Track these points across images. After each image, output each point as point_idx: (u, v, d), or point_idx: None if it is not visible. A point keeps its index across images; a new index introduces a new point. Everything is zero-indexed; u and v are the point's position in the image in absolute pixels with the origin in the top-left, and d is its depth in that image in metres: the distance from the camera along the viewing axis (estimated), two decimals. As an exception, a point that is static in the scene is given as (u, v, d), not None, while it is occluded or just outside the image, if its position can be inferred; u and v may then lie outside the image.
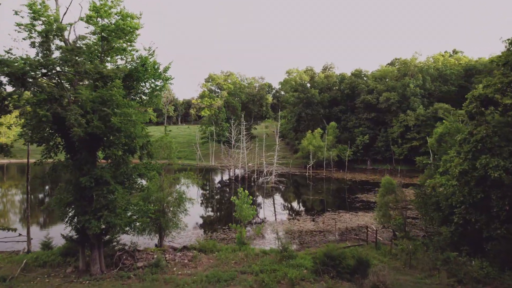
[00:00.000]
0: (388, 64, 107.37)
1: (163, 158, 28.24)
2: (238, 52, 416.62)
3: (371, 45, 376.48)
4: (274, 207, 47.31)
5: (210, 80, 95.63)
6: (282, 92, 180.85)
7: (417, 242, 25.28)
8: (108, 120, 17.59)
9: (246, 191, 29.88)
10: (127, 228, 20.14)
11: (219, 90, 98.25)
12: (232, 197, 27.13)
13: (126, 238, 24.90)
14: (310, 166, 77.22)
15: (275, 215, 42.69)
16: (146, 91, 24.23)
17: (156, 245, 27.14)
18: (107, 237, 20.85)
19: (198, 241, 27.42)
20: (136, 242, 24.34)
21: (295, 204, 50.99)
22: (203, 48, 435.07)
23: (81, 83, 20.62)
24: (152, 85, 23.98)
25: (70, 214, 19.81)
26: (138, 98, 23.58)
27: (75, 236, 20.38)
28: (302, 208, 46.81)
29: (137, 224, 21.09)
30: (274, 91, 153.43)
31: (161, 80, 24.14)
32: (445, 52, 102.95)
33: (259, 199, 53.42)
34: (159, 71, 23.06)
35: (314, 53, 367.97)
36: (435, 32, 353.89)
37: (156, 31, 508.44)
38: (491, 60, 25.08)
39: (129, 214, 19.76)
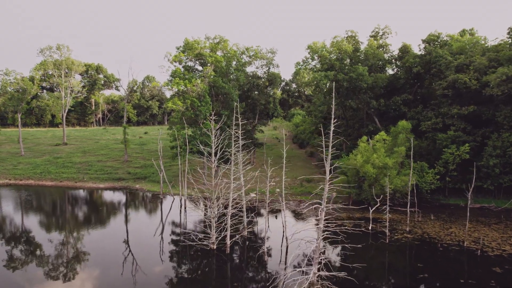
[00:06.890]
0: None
1: None
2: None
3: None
4: None
5: (186, 49, 56.36)
6: (294, 85, 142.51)
7: None
8: None
9: None
10: None
11: (200, 67, 59.27)
12: None
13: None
14: (378, 207, 38.86)
15: None
16: None
17: None
18: None
19: None
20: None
21: None
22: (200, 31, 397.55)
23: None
24: None
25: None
26: None
27: None
28: None
29: None
30: (284, 83, 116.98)
31: None
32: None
33: None
34: None
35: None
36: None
37: (149, 14, 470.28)
38: None
39: None
